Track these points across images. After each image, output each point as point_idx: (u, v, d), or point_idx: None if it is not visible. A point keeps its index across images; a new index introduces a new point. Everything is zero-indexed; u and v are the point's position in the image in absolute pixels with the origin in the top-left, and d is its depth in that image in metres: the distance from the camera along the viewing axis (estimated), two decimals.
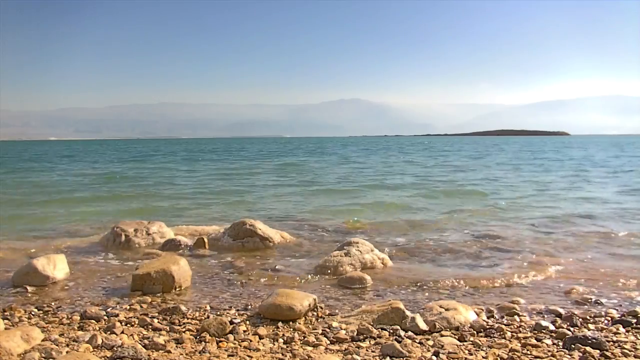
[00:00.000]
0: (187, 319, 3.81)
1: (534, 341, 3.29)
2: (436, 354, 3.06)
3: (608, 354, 3.03)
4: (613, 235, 7.28)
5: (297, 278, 5.18)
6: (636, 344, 3.21)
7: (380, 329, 3.49)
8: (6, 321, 3.70)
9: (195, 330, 3.51)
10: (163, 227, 7.15)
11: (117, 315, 3.86)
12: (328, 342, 3.30)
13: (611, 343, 3.22)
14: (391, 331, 3.47)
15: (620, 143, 75.37)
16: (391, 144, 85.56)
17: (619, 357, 3.01)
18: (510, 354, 3.06)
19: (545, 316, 3.92)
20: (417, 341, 3.29)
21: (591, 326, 3.63)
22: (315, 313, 3.92)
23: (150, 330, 3.55)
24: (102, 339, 3.22)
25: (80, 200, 12.05)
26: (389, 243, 6.87)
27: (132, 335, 3.40)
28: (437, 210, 10.05)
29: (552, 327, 3.56)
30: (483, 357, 3.03)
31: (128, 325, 3.63)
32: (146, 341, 3.25)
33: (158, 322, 3.70)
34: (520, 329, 3.58)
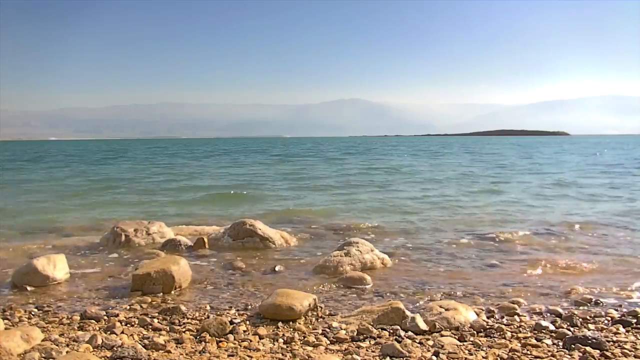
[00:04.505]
0: (187, 319, 3.81)
1: (534, 341, 3.29)
2: (436, 354, 3.06)
3: (608, 354, 3.03)
4: (612, 235, 7.29)
5: (297, 278, 5.19)
6: (636, 344, 3.21)
7: (380, 329, 3.49)
8: (6, 321, 3.71)
9: (195, 330, 3.51)
10: (163, 227, 7.15)
11: (117, 315, 3.86)
12: (328, 342, 3.30)
13: (611, 343, 3.22)
14: (391, 331, 3.47)
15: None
16: (427, 145, 77.72)
17: (619, 357, 3.01)
18: (510, 354, 3.06)
19: (545, 316, 3.92)
20: (417, 341, 3.29)
21: (591, 326, 3.63)
22: (315, 313, 3.92)
23: (150, 330, 3.55)
24: (102, 339, 3.22)
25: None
26: (389, 243, 6.87)
27: (132, 335, 3.40)
28: None
29: (552, 327, 3.55)
30: (483, 357, 3.03)
31: (128, 325, 3.63)
32: (146, 341, 3.25)
33: (158, 322, 3.70)
34: (520, 329, 3.58)
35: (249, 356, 3.05)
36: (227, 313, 3.98)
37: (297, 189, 14.58)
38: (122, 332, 3.44)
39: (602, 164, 24.84)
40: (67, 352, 3.04)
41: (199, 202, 11.86)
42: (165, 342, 3.24)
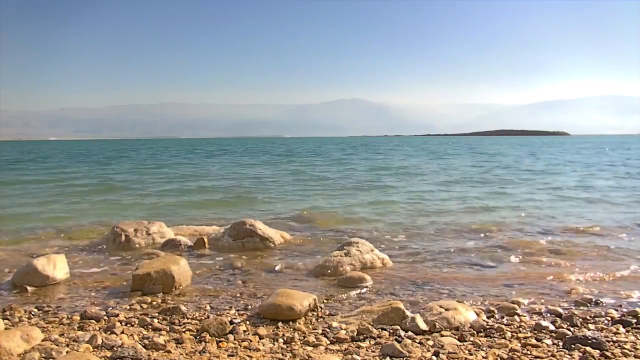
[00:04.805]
0: (187, 319, 3.81)
1: (534, 341, 3.29)
2: (436, 354, 3.06)
3: (608, 354, 3.03)
4: (614, 236, 7.28)
5: (297, 278, 5.18)
6: (636, 344, 3.21)
7: (380, 329, 3.49)
8: (6, 321, 3.71)
9: (195, 330, 3.51)
10: (163, 227, 7.15)
11: (117, 315, 3.86)
12: (328, 342, 3.30)
13: (611, 343, 3.22)
14: (391, 331, 3.47)
15: None
16: (429, 145, 74.87)
17: (619, 357, 3.01)
18: (510, 354, 3.06)
19: (545, 316, 3.92)
20: (417, 341, 3.29)
21: (591, 326, 3.63)
22: (315, 313, 3.92)
23: (150, 330, 3.55)
24: (102, 339, 3.22)
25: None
26: (389, 243, 6.88)
27: (132, 335, 3.40)
28: None
29: (552, 327, 3.55)
30: (483, 357, 3.03)
31: (128, 325, 3.63)
32: (146, 341, 3.25)
33: (158, 322, 3.70)
34: (520, 329, 3.58)
35: (249, 356, 3.05)
36: (227, 313, 3.98)
37: (300, 189, 14.58)
38: (122, 332, 3.44)
39: (613, 165, 24.47)
40: (67, 352, 3.04)
41: (202, 203, 11.86)
42: (165, 342, 3.24)
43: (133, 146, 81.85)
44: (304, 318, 3.79)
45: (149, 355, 3.00)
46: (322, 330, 3.52)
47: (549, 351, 3.12)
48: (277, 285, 4.78)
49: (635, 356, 3.03)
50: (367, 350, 3.13)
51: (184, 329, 3.54)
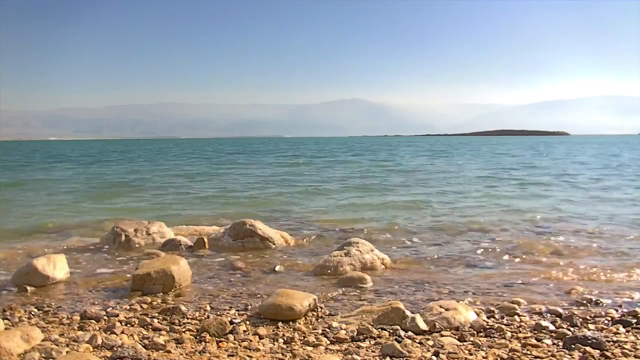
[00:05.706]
0: (187, 319, 3.81)
1: (534, 341, 3.29)
2: (436, 354, 3.06)
3: (608, 354, 3.03)
4: (614, 236, 7.28)
5: (297, 278, 5.18)
6: (636, 344, 3.21)
7: (380, 329, 3.49)
8: (6, 321, 3.71)
9: (195, 330, 3.51)
10: (163, 227, 7.15)
11: (117, 315, 3.86)
12: (328, 342, 3.30)
13: (611, 343, 3.22)
14: (391, 331, 3.47)
15: None
16: (432, 145, 73.37)
17: (619, 357, 3.01)
18: (510, 354, 3.06)
19: (545, 316, 3.92)
20: (417, 341, 3.29)
21: (591, 326, 3.63)
22: (315, 313, 3.92)
23: (150, 330, 3.55)
24: (102, 339, 3.22)
25: None
26: (389, 243, 6.88)
27: (132, 335, 3.40)
28: None
29: (552, 327, 3.55)
30: (483, 357, 3.03)
31: (128, 325, 3.64)
32: (146, 341, 3.25)
33: (158, 322, 3.70)
34: (520, 329, 3.58)
35: (249, 356, 3.05)
36: (227, 313, 3.98)
37: (301, 189, 14.58)
38: (122, 332, 3.45)
39: (623, 165, 24.25)
40: (67, 352, 3.04)
41: (204, 203, 11.86)
42: (165, 342, 3.24)
43: (134, 146, 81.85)
44: (304, 318, 3.79)
45: (149, 355, 3.00)
46: (322, 330, 3.52)
47: (549, 351, 3.12)
48: (277, 285, 4.77)
49: (635, 356, 3.03)
50: (367, 350, 3.14)
51: (184, 329, 3.54)
